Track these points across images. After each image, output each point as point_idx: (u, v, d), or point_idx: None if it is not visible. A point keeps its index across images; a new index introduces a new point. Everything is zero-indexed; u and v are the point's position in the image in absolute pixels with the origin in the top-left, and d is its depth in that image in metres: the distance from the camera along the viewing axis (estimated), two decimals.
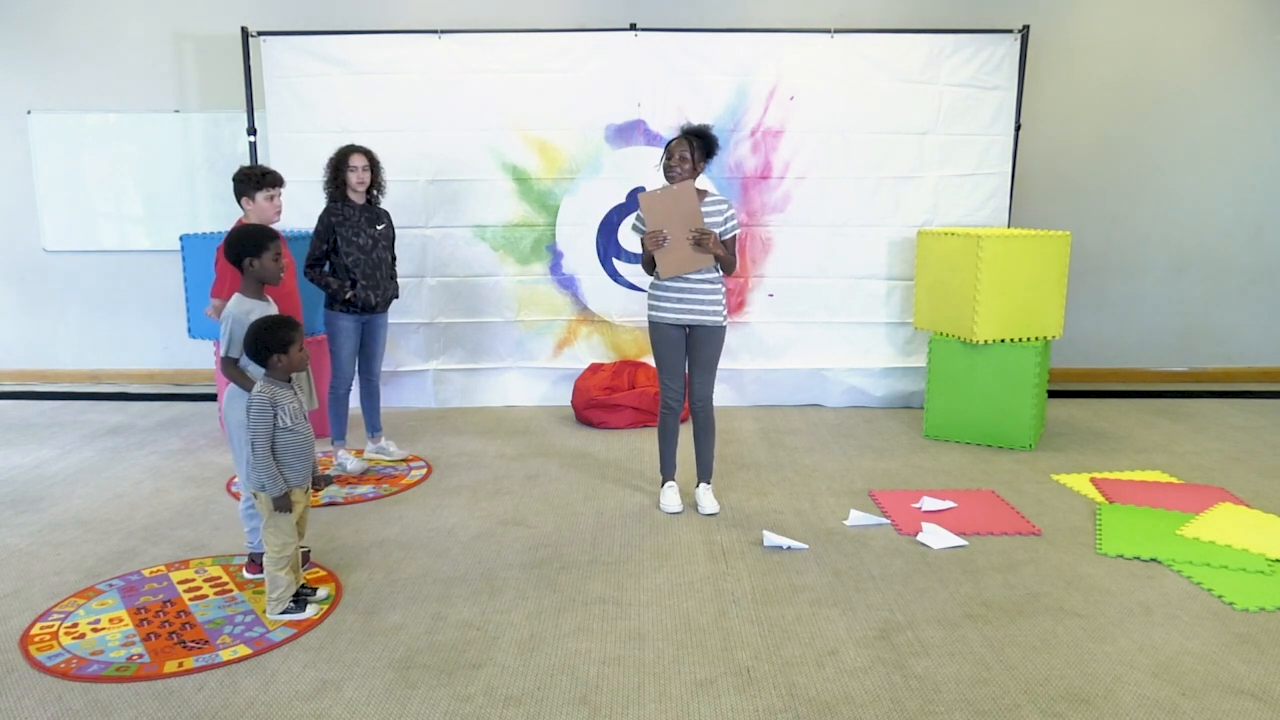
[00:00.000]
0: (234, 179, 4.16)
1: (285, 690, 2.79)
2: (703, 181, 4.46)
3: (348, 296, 4.60)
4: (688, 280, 4.03)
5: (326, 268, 4.66)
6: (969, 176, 5.99)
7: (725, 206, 4.05)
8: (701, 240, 3.90)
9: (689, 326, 4.11)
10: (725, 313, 4.12)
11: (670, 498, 4.27)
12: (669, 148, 4.01)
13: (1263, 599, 3.32)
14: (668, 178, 4.02)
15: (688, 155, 3.96)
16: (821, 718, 2.65)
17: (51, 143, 6.70)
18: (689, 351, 4.15)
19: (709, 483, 4.30)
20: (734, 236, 4.07)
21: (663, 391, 4.21)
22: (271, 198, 4.15)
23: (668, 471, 4.34)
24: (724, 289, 4.11)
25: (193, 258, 5.33)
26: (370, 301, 4.65)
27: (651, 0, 6.29)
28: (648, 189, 5.97)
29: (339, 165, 4.60)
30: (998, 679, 2.84)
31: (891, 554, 3.76)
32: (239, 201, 4.17)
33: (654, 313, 4.13)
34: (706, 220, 3.97)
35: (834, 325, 6.15)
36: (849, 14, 6.25)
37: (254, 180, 4.12)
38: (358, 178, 4.60)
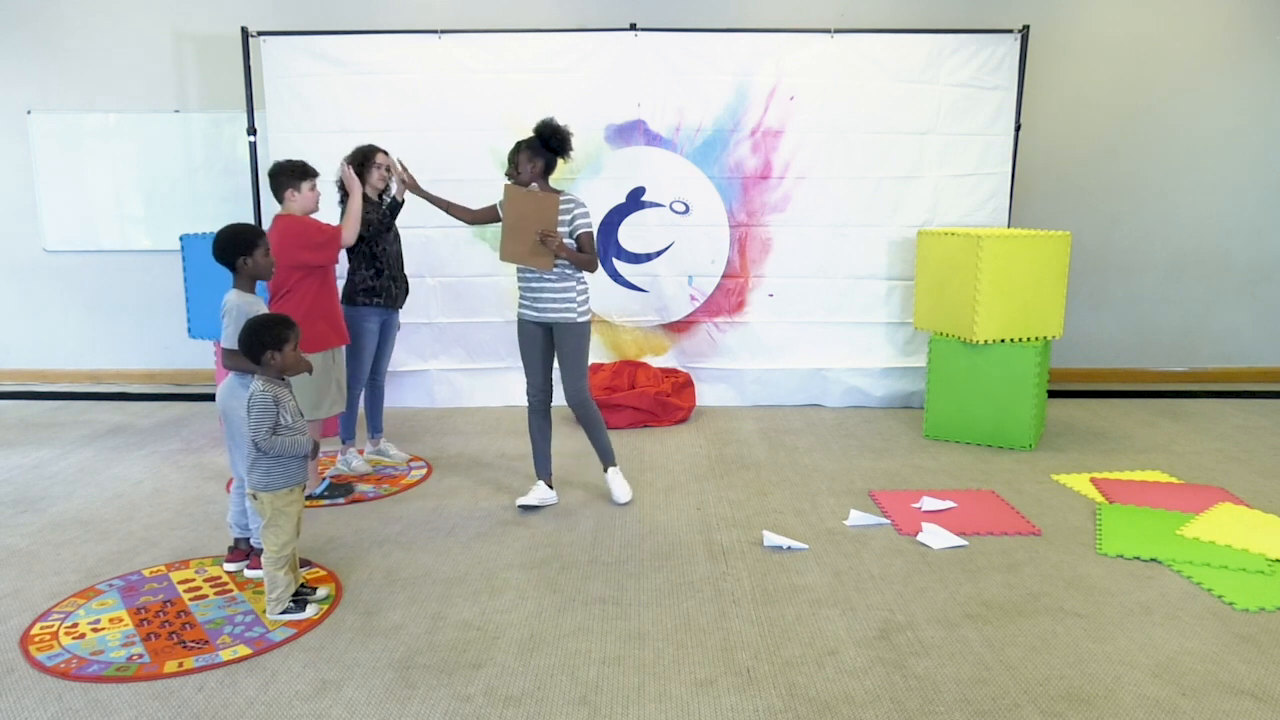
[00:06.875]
0: (274, 173, 4.22)
1: (285, 690, 2.79)
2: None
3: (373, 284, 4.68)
4: (540, 280, 4.08)
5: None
6: (969, 176, 5.99)
7: (573, 205, 4.05)
8: (545, 241, 3.93)
9: (549, 325, 4.17)
10: (581, 310, 4.14)
11: (539, 493, 4.30)
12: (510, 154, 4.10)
13: (1263, 599, 3.32)
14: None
15: (517, 161, 4.03)
16: (821, 718, 2.65)
17: (51, 143, 6.70)
18: (557, 350, 4.22)
19: (615, 465, 4.44)
20: (587, 234, 4.05)
21: (526, 389, 4.29)
22: (313, 187, 4.28)
23: (540, 471, 4.37)
24: (576, 288, 4.11)
25: (193, 258, 5.33)
26: (392, 292, 4.74)
27: (651, 0, 6.30)
28: (648, 189, 6.09)
29: (364, 162, 4.63)
30: (998, 679, 2.84)
31: (891, 554, 3.76)
32: (279, 195, 4.21)
33: (518, 310, 4.24)
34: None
35: (834, 325, 6.15)
36: (849, 14, 6.26)
37: (299, 172, 4.22)
38: (379, 175, 4.66)
